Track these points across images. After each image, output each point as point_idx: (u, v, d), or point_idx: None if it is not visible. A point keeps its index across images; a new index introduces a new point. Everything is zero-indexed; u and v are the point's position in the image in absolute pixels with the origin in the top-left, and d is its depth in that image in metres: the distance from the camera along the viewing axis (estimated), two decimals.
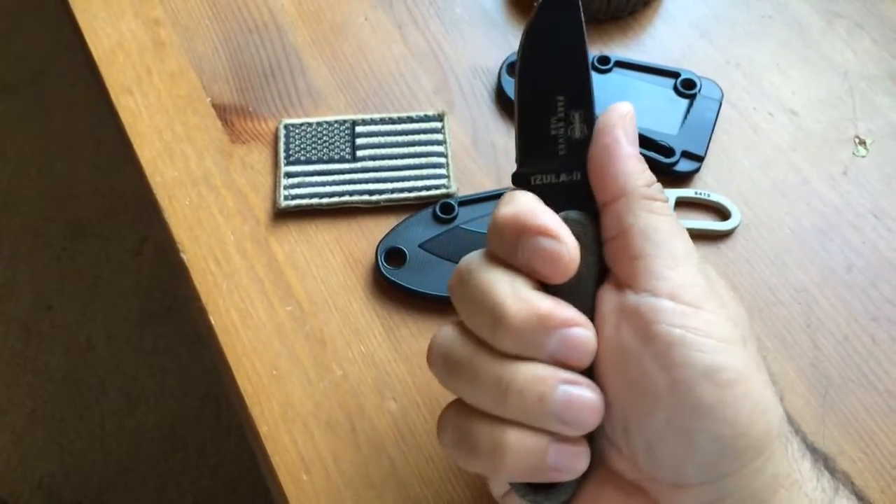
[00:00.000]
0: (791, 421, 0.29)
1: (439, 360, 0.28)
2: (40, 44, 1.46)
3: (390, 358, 0.40)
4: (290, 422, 0.39)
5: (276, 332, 0.41)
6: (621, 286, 0.27)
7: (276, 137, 0.46)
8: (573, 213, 0.28)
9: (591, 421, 0.26)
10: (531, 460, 0.26)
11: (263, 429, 0.38)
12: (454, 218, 0.43)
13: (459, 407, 0.28)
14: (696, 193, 0.44)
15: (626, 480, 0.28)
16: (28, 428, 1.15)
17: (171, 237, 0.43)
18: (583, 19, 0.29)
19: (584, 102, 0.29)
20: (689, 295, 0.26)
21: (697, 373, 0.25)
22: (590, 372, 0.27)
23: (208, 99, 0.48)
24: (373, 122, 0.47)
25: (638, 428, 0.26)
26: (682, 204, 0.45)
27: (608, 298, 0.28)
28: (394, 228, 0.43)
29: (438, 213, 0.43)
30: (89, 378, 1.18)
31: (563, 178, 0.29)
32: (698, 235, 0.44)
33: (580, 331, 0.26)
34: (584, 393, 0.26)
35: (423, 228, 0.43)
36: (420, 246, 0.43)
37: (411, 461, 0.38)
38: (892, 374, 0.40)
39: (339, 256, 0.43)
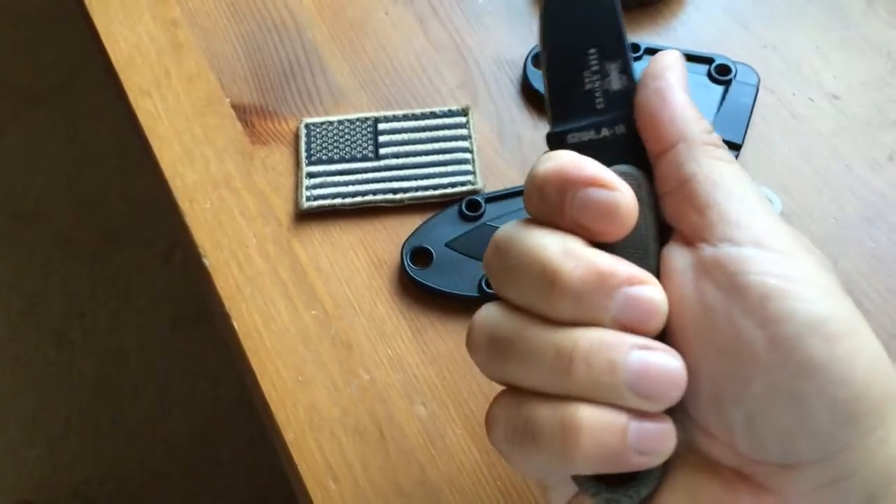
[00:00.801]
0: None
1: (483, 342, 0.24)
2: (67, 52, 1.47)
3: (418, 361, 0.39)
4: (317, 428, 0.37)
5: (300, 337, 0.40)
6: (691, 242, 0.24)
7: (297, 137, 0.45)
8: (623, 167, 0.25)
9: (674, 392, 0.22)
10: (610, 442, 0.22)
11: (289, 436, 0.37)
12: (481, 215, 0.42)
13: (511, 395, 0.24)
14: None
15: (725, 468, 0.23)
16: (62, 436, 1.15)
17: (193, 242, 0.43)
18: None
19: (619, 52, 0.26)
20: (777, 241, 0.23)
21: (801, 326, 0.21)
22: (662, 342, 0.24)
23: (227, 100, 0.47)
24: (395, 118, 0.45)
25: (734, 400, 0.22)
26: None
27: (677, 257, 0.24)
28: (419, 227, 0.42)
29: (465, 211, 0.42)
30: (122, 385, 1.19)
31: (604, 132, 0.26)
32: None
33: (648, 289, 0.23)
34: (661, 359, 0.22)
35: (449, 227, 0.42)
36: (447, 245, 0.41)
37: (442, 467, 0.36)
38: None
39: (363, 258, 0.42)
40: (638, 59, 0.46)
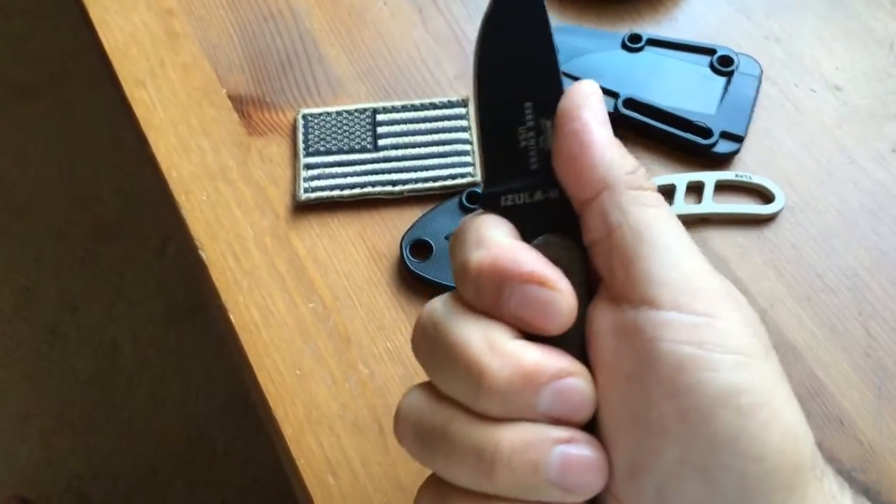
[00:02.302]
0: (822, 448, 0.24)
1: (409, 433, 0.24)
2: (60, 45, 1.45)
3: None
4: (316, 423, 0.37)
5: (298, 330, 0.39)
6: (616, 299, 0.23)
7: (295, 128, 0.45)
8: (553, 238, 0.24)
9: (596, 483, 0.22)
10: None
11: (288, 431, 0.37)
12: None
13: (438, 484, 0.23)
14: (736, 176, 0.42)
15: None
16: (56, 430, 1.15)
17: (189, 234, 0.42)
18: (547, 12, 0.24)
19: (553, 105, 0.24)
20: (698, 300, 0.22)
21: (713, 399, 0.21)
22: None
23: (224, 90, 0.46)
24: (394, 109, 0.45)
25: (646, 471, 0.22)
26: (721, 188, 0.42)
27: (601, 316, 0.23)
28: (418, 220, 0.42)
29: (465, 203, 0.41)
30: (116, 379, 1.18)
31: (537, 196, 0.24)
32: (739, 220, 0.42)
33: (575, 381, 0.22)
34: (583, 452, 0.22)
35: (449, 219, 0.41)
36: (446, 238, 0.41)
37: None
38: None
39: (362, 250, 0.42)
40: (639, 49, 0.45)
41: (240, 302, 0.40)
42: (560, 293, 0.22)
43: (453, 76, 0.47)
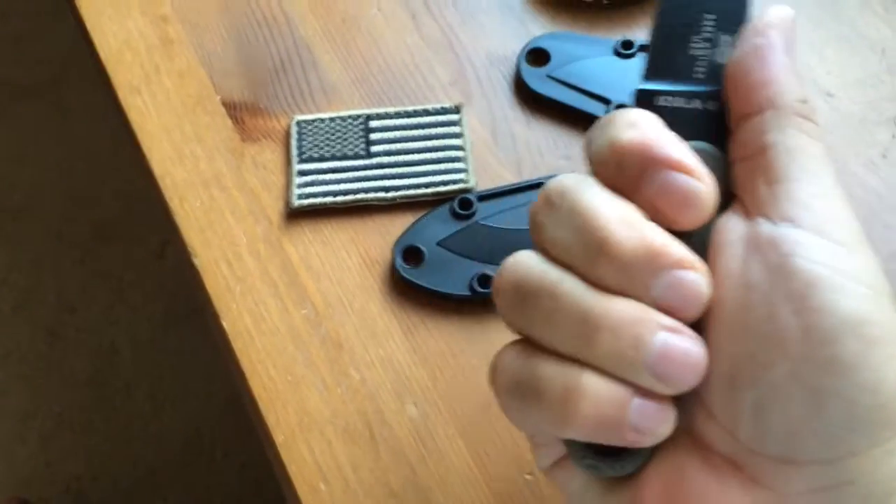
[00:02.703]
0: None
1: (510, 287, 0.23)
2: (59, 46, 1.46)
3: (409, 361, 0.39)
4: (307, 430, 0.37)
5: (290, 337, 0.39)
6: (752, 214, 0.22)
7: (289, 135, 0.45)
8: (704, 145, 0.24)
9: (690, 380, 0.22)
10: (609, 413, 0.21)
11: (279, 437, 0.37)
12: (473, 213, 0.42)
13: (523, 346, 0.23)
14: None
15: (718, 455, 0.23)
16: (54, 432, 1.15)
17: (183, 241, 0.42)
18: None
19: (737, 25, 0.24)
20: (840, 232, 0.22)
21: (841, 322, 0.20)
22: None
23: (218, 97, 0.47)
24: (387, 115, 0.45)
25: (750, 382, 0.21)
26: None
27: (732, 227, 0.23)
28: (411, 226, 0.42)
29: (457, 209, 0.42)
30: (114, 381, 1.18)
31: (695, 104, 0.24)
32: None
33: (696, 275, 0.22)
34: (687, 345, 0.22)
35: (441, 225, 0.42)
36: (438, 244, 0.41)
37: (432, 468, 0.36)
38: None
39: (354, 256, 0.42)
40: (631, 56, 0.46)
41: (232, 309, 0.40)
42: (705, 185, 0.22)
43: (447, 82, 0.47)
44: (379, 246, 0.42)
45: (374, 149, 0.44)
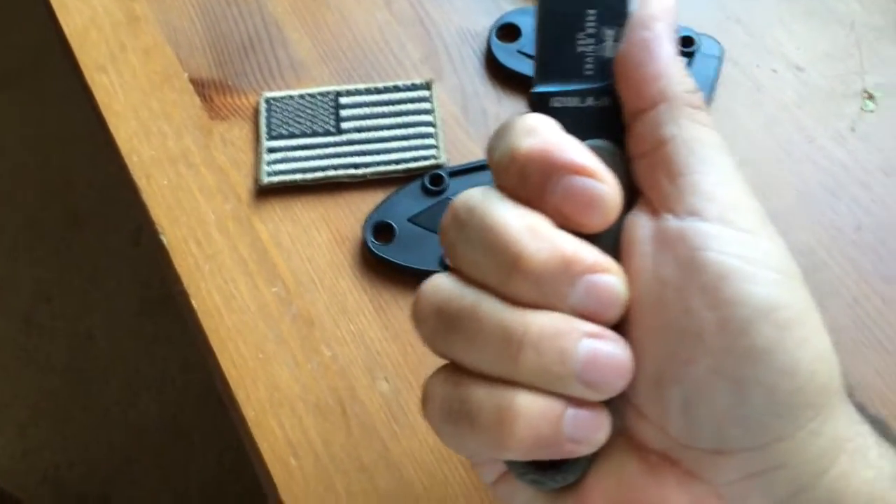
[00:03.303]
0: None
1: (431, 314, 0.23)
2: (34, 34, 1.44)
3: (381, 337, 0.39)
4: (278, 406, 0.37)
5: (261, 314, 0.39)
6: (657, 210, 0.23)
7: (258, 112, 0.44)
8: (601, 143, 0.24)
9: (619, 383, 0.22)
10: (545, 430, 0.21)
11: (250, 414, 0.37)
12: (444, 189, 0.41)
13: (451, 371, 0.23)
14: None
15: (653, 452, 0.23)
16: (32, 420, 1.14)
17: (150, 219, 0.42)
18: None
19: (619, 18, 0.24)
20: (745, 219, 0.22)
21: (753, 311, 0.21)
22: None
23: (185, 74, 0.46)
24: (357, 92, 0.45)
25: (674, 379, 0.22)
26: None
27: (639, 225, 0.23)
28: (381, 203, 0.42)
29: (428, 185, 0.41)
30: (91, 369, 1.17)
31: (588, 101, 0.24)
32: None
33: (611, 278, 0.22)
34: (612, 349, 0.22)
35: (412, 202, 0.41)
36: (409, 220, 0.41)
37: (404, 443, 0.36)
38: None
39: (325, 233, 0.41)
40: None
41: (202, 287, 0.40)
42: (608, 186, 0.22)
43: (417, 59, 0.46)
44: (349, 223, 0.42)
45: (344, 125, 0.44)
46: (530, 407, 0.21)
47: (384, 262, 0.40)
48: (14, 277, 1.25)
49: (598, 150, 0.23)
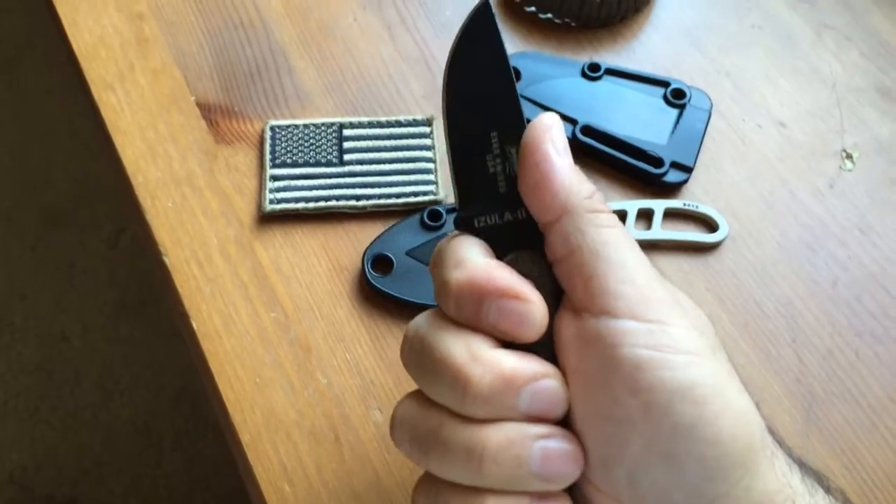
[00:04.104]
0: (773, 432, 0.28)
1: (406, 438, 0.27)
2: (15, 28, 1.43)
3: (376, 367, 0.40)
4: (273, 431, 0.38)
5: (259, 339, 0.40)
6: (578, 310, 0.26)
7: (262, 139, 0.45)
8: (523, 254, 0.27)
9: (573, 472, 0.25)
10: None
11: (245, 437, 0.38)
12: (442, 225, 0.43)
13: (431, 481, 0.27)
14: (684, 205, 0.44)
15: None
16: (0, 419, 1.13)
17: (153, 239, 0.43)
18: (506, 50, 0.27)
19: (518, 133, 0.27)
20: (651, 310, 0.25)
21: (670, 394, 0.24)
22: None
23: (193, 98, 0.47)
24: (360, 125, 0.46)
25: (617, 460, 0.25)
26: (669, 215, 0.44)
27: (567, 325, 0.26)
28: (381, 235, 0.43)
29: (426, 221, 0.43)
30: (63, 370, 1.17)
31: (507, 217, 0.27)
32: (685, 247, 0.44)
33: (549, 382, 0.25)
34: (561, 445, 0.25)
35: (410, 235, 0.43)
36: (407, 253, 0.42)
37: (395, 472, 0.37)
38: (874, 390, 0.41)
39: (324, 262, 0.43)
40: (597, 78, 0.47)
41: (202, 309, 0.41)
42: (532, 304, 0.25)
43: (420, 95, 0.48)
44: (349, 253, 0.43)
45: (346, 157, 0.45)
46: None
47: (381, 294, 0.41)
48: None
49: (521, 262, 0.27)
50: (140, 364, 1.17)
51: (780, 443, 0.28)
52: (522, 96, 0.47)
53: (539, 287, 0.26)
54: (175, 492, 1.08)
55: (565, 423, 0.26)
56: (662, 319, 0.25)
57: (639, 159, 0.45)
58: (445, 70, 0.27)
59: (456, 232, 0.27)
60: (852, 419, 0.40)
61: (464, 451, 0.25)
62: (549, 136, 0.26)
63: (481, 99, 0.27)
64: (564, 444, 0.25)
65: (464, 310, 0.26)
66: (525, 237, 0.27)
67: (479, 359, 0.25)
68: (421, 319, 0.27)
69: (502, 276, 0.26)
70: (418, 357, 0.26)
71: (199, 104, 0.47)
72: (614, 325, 0.25)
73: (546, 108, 0.46)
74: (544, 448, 0.25)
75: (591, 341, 0.25)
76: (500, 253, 0.27)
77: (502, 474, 0.25)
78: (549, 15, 0.51)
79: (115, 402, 1.14)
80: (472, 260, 0.26)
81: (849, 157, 0.47)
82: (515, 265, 0.26)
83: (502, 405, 0.25)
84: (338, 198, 0.44)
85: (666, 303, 0.25)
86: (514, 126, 0.27)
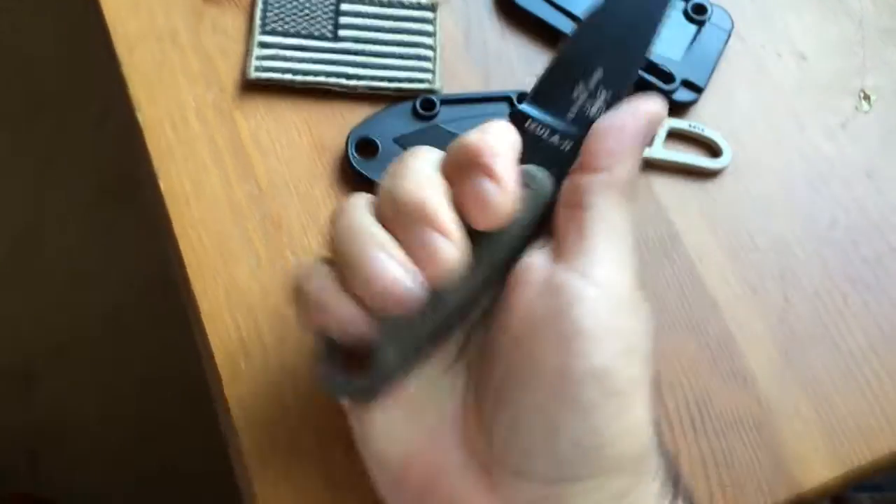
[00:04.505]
0: (664, 454, 0.28)
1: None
2: None
3: None
4: (234, 305, 0.36)
5: (229, 210, 0.38)
6: (557, 256, 0.26)
7: (254, 2, 0.43)
8: (540, 172, 0.27)
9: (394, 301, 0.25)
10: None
11: (205, 306, 0.36)
12: (435, 115, 0.41)
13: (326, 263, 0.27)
14: (689, 126, 0.42)
15: (477, 458, 0.27)
16: None
17: (128, 94, 0.40)
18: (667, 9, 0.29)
19: (618, 85, 0.28)
20: (618, 294, 0.25)
21: (589, 370, 0.24)
22: (500, 321, 0.27)
23: None
24: (360, 0, 0.43)
25: (508, 400, 0.26)
26: (673, 135, 0.42)
27: (540, 262, 0.26)
28: (369, 118, 0.41)
29: (419, 109, 0.41)
30: (36, 251, 1.14)
31: (554, 139, 0.28)
32: (685, 170, 0.42)
33: (447, 245, 0.25)
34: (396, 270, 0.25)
35: (400, 122, 0.40)
36: (395, 140, 0.40)
37: None
38: (857, 338, 0.39)
39: (306, 139, 0.40)
40: None
41: (172, 171, 0.39)
42: (503, 196, 0.25)
43: None
44: (333, 133, 0.41)
45: (341, 32, 0.42)
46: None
47: (363, 178, 0.39)
48: None
49: (532, 178, 0.27)
50: (114, 252, 1.14)
51: (674, 478, 0.28)
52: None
53: (531, 206, 0.27)
54: (137, 383, 1.07)
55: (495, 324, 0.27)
56: (622, 306, 0.26)
57: (649, 72, 0.42)
58: None
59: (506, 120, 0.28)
60: (830, 365, 0.39)
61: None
62: (653, 120, 0.27)
63: (618, 31, 0.28)
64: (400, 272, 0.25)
65: (455, 163, 0.26)
66: (553, 165, 0.27)
67: (429, 184, 0.26)
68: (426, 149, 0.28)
69: (502, 162, 0.26)
70: (403, 158, 0.27)
71: None
72: (582, 285, 0.25)
73: (557, 7, 0.44)
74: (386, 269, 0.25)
75: (552, 288, 0.25)
76: (525, 158, 0.27)
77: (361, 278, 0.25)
78: None
79: (85, 287, 1.12)
80: (497, 132, 0.27)
81: (866, 98, 0.45)
82: (526, 176, 0.27)
83: (404, 222, 0.25)
84: (328, 74, 0.41)
85: (633, 296, 0.26)
86: (622, 74, 0.28)
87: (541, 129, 0.28)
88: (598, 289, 0.25)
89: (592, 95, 0.28)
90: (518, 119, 0.28)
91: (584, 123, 0.27)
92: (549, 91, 0.28)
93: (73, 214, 1.17)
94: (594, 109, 0.28)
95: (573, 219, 0.26)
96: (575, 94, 0.28)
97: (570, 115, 0.28)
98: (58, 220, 1.17)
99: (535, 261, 0.26)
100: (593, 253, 0.25)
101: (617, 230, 0.26)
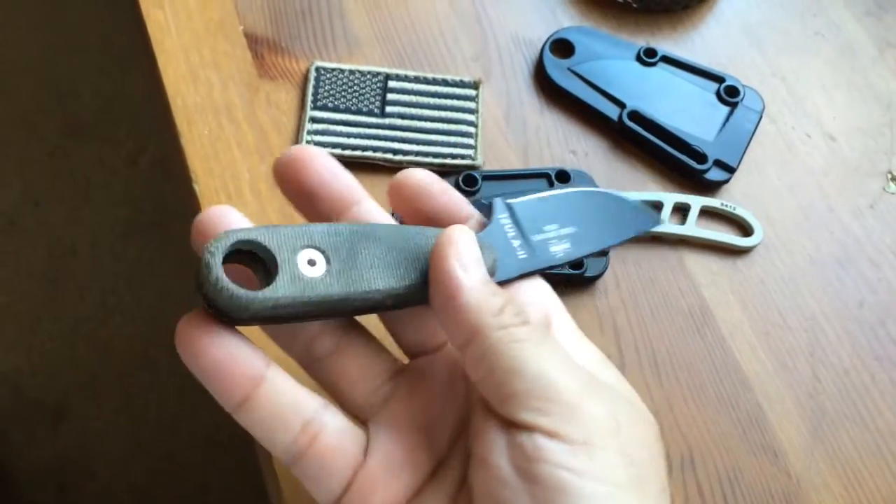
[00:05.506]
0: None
1: None
2: None
3: None
4: None
5: None
6: (505, 423, 0.25)
7: (306, 79, 0.45)
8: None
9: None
10: None
11: None
12: (477, 191, 0.42)
13: None
14: (721, 205, 0.44)
15: None
16: (0, 320, 1.14)
17: (185, 165, 0.42)
18: None
19: (581, 249, 0.32)
20: (577, 429, 0.24)
21: None
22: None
23: (241, 27, 0.46)
24: (406, 78, 0.45)
25: None
26: (705, 213, 0.44)
27: (493, 434, 0.25)
28: None
29: (461, 184, 0.42)
30: (68, 281, 1.17)
31: (515, 242, 0.31)
32: (716, 247, 0.43)
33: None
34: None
35: None
36: None
37: None
38: (885, 416, 0.40)
39: None
40: (652, 64, 0.46)
41: None
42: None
43: (469, 56, 0.47)
44: (380, 206, 0.42)
45: (388, 109, 0.44)
46: None
47: None
48: (2, 176, 1.24)
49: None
50: (144, 286, 1.17)
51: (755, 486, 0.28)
52: (571, 70, 0.46)
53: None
54: (164, 415, 1.09)
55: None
56: (589, 440, 0.24)
57: (682, 152, 0.44)
58: None
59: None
60: (859, 441, 0.40)
61: None
62: (453, 252, 0.25)
63: (598, 218, 0.33)
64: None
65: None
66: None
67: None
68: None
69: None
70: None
71: (246, 34, 0.46)
72: (538, 440, 0.24)
73: (596, 87, 0.45)
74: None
75: (515, 452, 0.24)
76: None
77: None
78: None
79: (115, 321, 1.15)
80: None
81: (894, 179, 0.46)
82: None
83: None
84: (375, 149, 0.43)
85: (595, 419, 0.24)
86: (585, 245, 0.32)
87: (510, 228, 0.30)
88: (552, 436, 0.24)
89: (560, 239, 0.31)
90: (501, 206, 0.31)
91: (542, 253, 0.30)
92: (529, 213, 0.31)
93: (106, 244, 1.20)
94: (553, 249, 0.31)
95: (490, 387, 0.25)
96: (547, 228, 0.31)
97: (535, 238, 0.31)
98: (91, 248, 1.19)
99: (491, 435, 0.25)
100: (527, 405, 0.24)
101: (531, 362, 0.25)
